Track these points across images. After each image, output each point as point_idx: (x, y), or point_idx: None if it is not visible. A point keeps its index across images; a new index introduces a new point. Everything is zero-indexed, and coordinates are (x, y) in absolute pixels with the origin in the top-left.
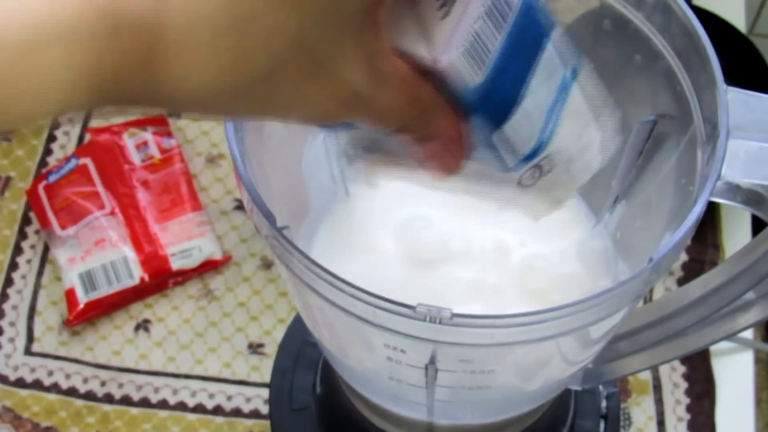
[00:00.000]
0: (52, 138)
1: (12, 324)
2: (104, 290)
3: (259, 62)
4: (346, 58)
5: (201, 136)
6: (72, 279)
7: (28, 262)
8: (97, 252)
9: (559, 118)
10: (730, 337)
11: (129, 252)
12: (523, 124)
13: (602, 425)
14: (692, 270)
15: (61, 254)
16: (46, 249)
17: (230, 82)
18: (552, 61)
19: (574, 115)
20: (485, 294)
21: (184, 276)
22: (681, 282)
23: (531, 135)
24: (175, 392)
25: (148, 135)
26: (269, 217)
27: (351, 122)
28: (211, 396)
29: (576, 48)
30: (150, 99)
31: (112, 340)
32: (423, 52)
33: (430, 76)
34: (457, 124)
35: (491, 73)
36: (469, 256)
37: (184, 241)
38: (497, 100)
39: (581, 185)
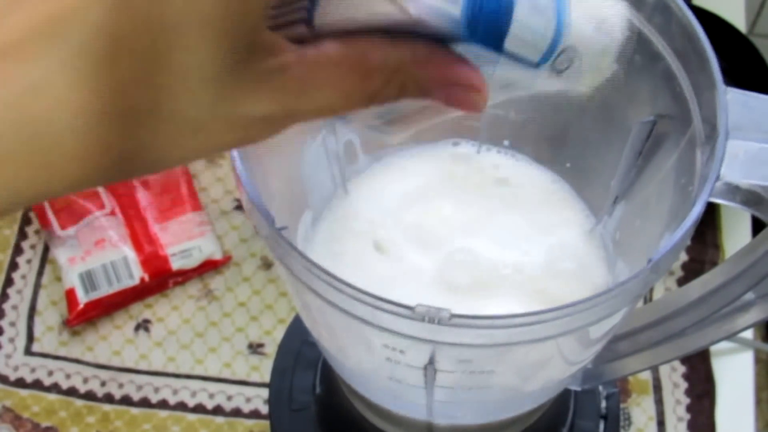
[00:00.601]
0: None
1: (12, 324)
2: (104, 290)
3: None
4: (230, 102)
5: None
6: (72, 279)
7: (28, 262)
8: (97, 252)
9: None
10: (730, 337)
11: (129, 252)
12: (528, 23)
13: (602, 425)
14: (692, 270)
15: (61, 254)
16: (46, 249)
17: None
18: None
19: None
20: (504, 304)
21: (184, 276)
22: (681, 282)
23: (543, 29)
24: (175, 392)
25: None
26: (268, 218)
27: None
28: (211, 396)
29: None
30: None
31: (112, 340)
32: (387, 8)
33: (398, 29)
34: (451, 60)
35: None
36: (474, 270)
37: (184, 241)
38: (489, 15)
39: (615, 58)
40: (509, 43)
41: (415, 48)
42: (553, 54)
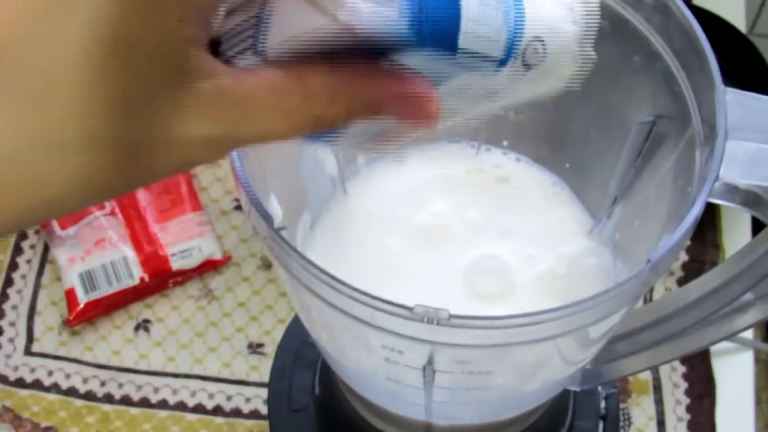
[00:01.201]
0: None
1: (12, 324)
2: (104, 290)
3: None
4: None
5: None
6: (72, 279)
7: (28, 262)
8: (97, 252)
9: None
10: (730, 337)
11: (129, 252)
12: (481, 16)
13: (601, 426)
14: (692, 270)
15: (61, 254)
16: (46, 249)
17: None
18: None
19: None
20: (515, 305)
21: (184, 276)
22: (681, 282)
23: (497, 31)
24: (174, 392)
25: None
26: (267, 219)
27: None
28: (211, 396)
29: None
30: None
31: (112, 340)
32: (331, 26)
33: (340, 48)
34: (395, 74)
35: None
36: (500, 276)
37: (184, 241)
38: (434, 12)
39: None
40: (464, 41)
41: (357, 67)
42: (517, 46)
